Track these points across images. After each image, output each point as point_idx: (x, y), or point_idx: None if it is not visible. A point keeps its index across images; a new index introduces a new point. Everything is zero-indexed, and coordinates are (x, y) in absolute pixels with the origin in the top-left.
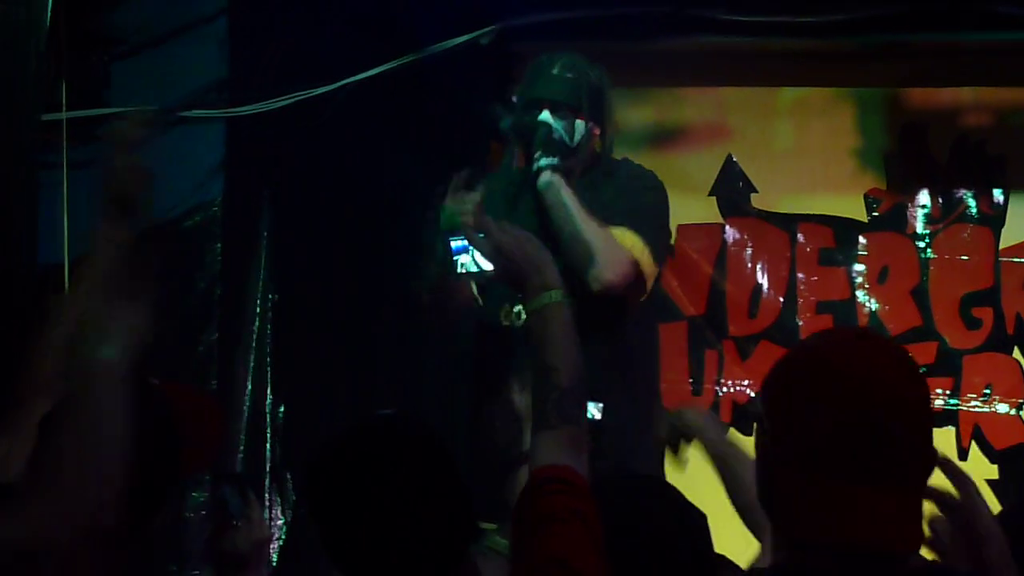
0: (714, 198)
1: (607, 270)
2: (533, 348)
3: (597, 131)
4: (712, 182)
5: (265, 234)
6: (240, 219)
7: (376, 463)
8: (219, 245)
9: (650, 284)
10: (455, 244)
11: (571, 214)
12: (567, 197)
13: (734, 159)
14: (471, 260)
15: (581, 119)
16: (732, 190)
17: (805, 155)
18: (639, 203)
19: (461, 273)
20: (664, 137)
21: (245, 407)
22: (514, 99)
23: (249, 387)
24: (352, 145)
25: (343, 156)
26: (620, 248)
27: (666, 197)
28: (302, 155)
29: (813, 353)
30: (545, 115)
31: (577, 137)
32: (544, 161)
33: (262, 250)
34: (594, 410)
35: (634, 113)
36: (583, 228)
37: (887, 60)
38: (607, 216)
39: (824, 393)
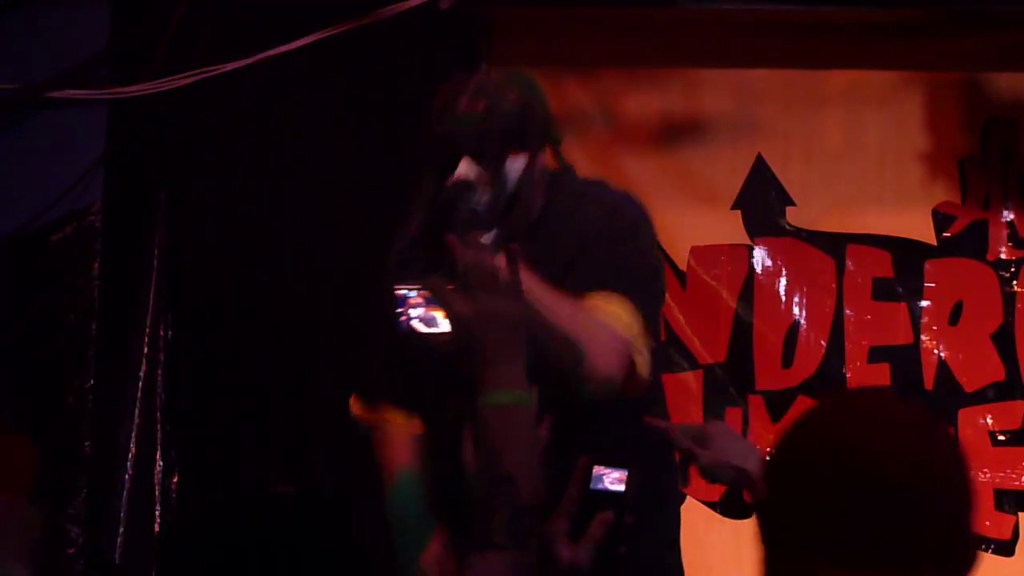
0: (739, 212)
1: (601, 365)
2: (485, 450)
3: (536, 159)
4: (737, 192)
5: (157, 251)
6: (125, 231)
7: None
8: (96, 265)
9: (646, 371)
10: (402, 292)
11: (534, 304)
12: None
13: (765, 162)
14: (417, 318)
15: (516, 154)
16: (762, 202)
17: (857, 158)
18: (621, 256)
19: (404, 333)
20: (674, 133)
21: (127, 475)
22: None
23: (133, 450)
24: (274, 136)
25: (262, 149)
26: (608, 331)
27: (653, 232)
28: (208, 148)
29: (820, 422)
30: (463, 166)
31: (513, 180)
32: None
33: (153, 273)
34: (618, 481)
35: (635, 101)
36: (558, 317)
37: (965, 35)
38: (579, 275)
39: (832, 473)
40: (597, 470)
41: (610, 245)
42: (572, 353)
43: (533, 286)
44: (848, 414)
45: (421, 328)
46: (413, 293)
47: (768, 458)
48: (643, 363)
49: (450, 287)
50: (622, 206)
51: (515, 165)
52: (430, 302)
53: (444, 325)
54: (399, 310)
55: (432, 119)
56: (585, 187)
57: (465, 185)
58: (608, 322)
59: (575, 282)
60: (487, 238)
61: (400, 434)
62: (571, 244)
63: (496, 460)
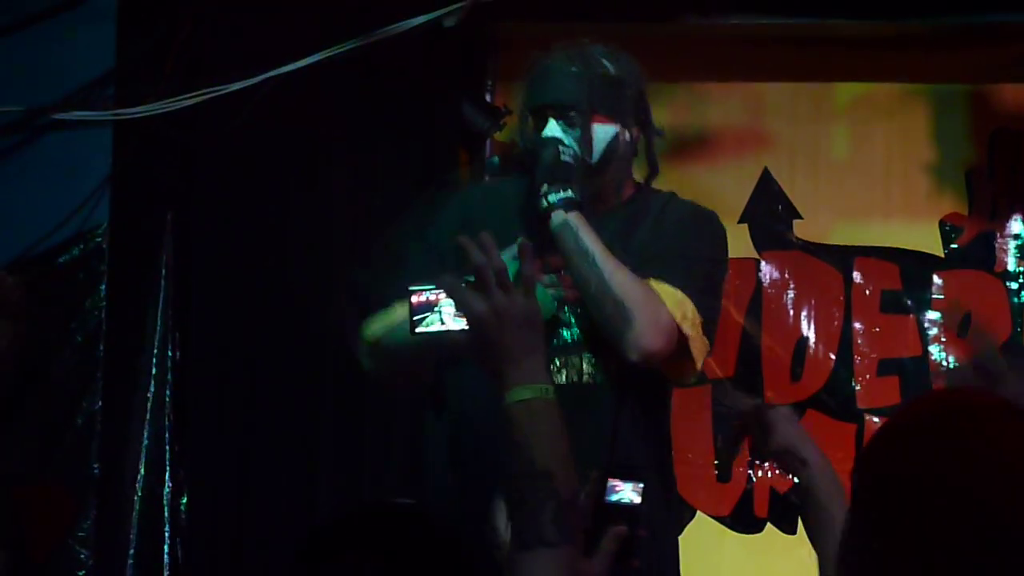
0: (746, 225)
1: (647, 333)
2: (516, 446)
3: (626, 136)
4: (744, 205)
5: (164, 272)
6: (132, 252)
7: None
8: (103, 287)
9: (700, 364)
10: (417, 290)
11: (596, 264)
12: (589, 241)
13: (772, 175)
14: (436, 316)
15: (603, 122)
16: (769, 215)
17: (864, 171)
18: (695, 252)
19: (419, 332)
20: (682, 146)
21: (136, 497)
22: (502, 120)
23: (142, 471)
24: (280, 155)
25: (268, 169)
26: (661, 306)
27: (727, 249)
28: (214, 168)
29: (952, 433)
30: (551, 126)
31: (599, 149)
32: (554, 196)
33: (160, 293)
34: (633, 493)
35: None
36: (613, 281)
37: (972, 47)
38: (640, 266)
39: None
40: (612, 482)
41: (687, 243)
42: (621, 317)
43: (596, 249)
44: (972, 444)
45: (437, 326)
46: (428, 292)
47: (868, 479)
48: (697, 354)
49: (464, 284)
50: (709, 216)
51: (602, 132)
52: (445, 300)
53: (460, 323)
54: (414, 308)
55: (529, 72)
56: (666, 195)
57: (552, 143)
58: (661, 301)
59: (645, 266)
60: (564, 193)
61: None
62: (650, 236)
63: (531, 457)
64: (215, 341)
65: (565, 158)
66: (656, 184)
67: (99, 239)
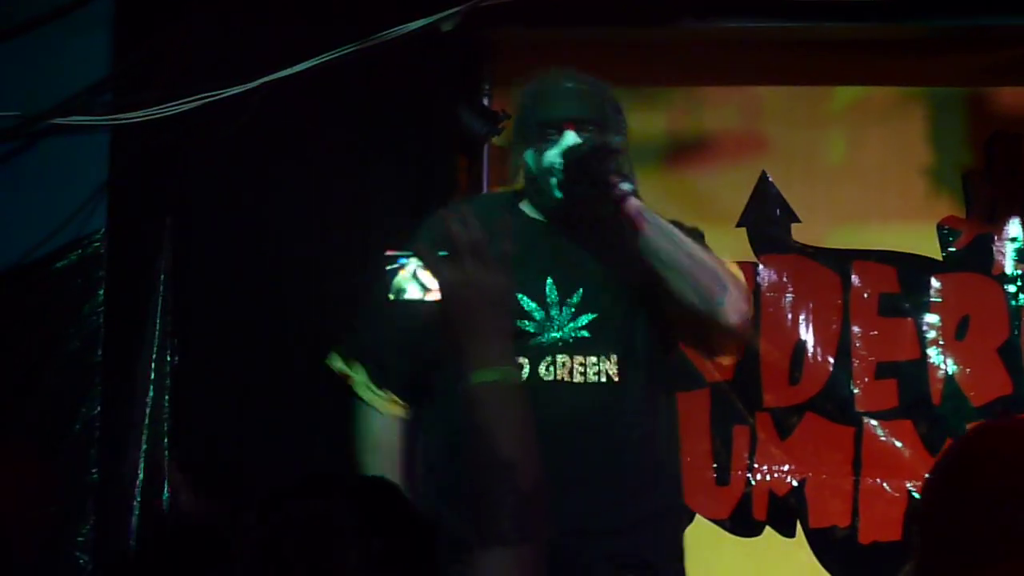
0: (744, 229)
1: (742, 298)
2: (477, 432)
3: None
4: (741, 208)
5: (163, 277)
6: (129, 257)
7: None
8: (101, 292)
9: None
10: (394, 260)
11: (679, 240)
12: (664, 222)
13: (769, 179)
14: (414, 281)
15: (614, 131)
16: (767, 219)
17: (862, 174)
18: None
19: (393, 299)
20: (679, 150)
21: (135, 503)
22: (500, 125)
23: (141, 477)
24: (278, 159)
25: (266, 174)
26: (740, 274)
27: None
28: (212, 173)
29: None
30: (570, 137)
31: (621, 145)
32: (626, 185)
33: (159, 298)
34: None
35: (640, 119)
36: (700, 255)
37: (969, 50)
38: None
39: None
40: None
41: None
42: (718, 284)
43: (672, 228)
44: None
45: (410, 294)
46: (405, 259)
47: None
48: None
49: (441, 255)
50: (685, 228)
51: (618, 138)
52: (420, 268)
53: (433, 293)
54: (389, 273)
55: (534, 92)
56: None
57: (613, 148)
58: (733, 271)
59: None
60: (630, 185)
61: (382, 415)
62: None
63: (492, 445)
64: (214, 347)
65: (624, 162)
66: (652, 190)
67: (97, 244)
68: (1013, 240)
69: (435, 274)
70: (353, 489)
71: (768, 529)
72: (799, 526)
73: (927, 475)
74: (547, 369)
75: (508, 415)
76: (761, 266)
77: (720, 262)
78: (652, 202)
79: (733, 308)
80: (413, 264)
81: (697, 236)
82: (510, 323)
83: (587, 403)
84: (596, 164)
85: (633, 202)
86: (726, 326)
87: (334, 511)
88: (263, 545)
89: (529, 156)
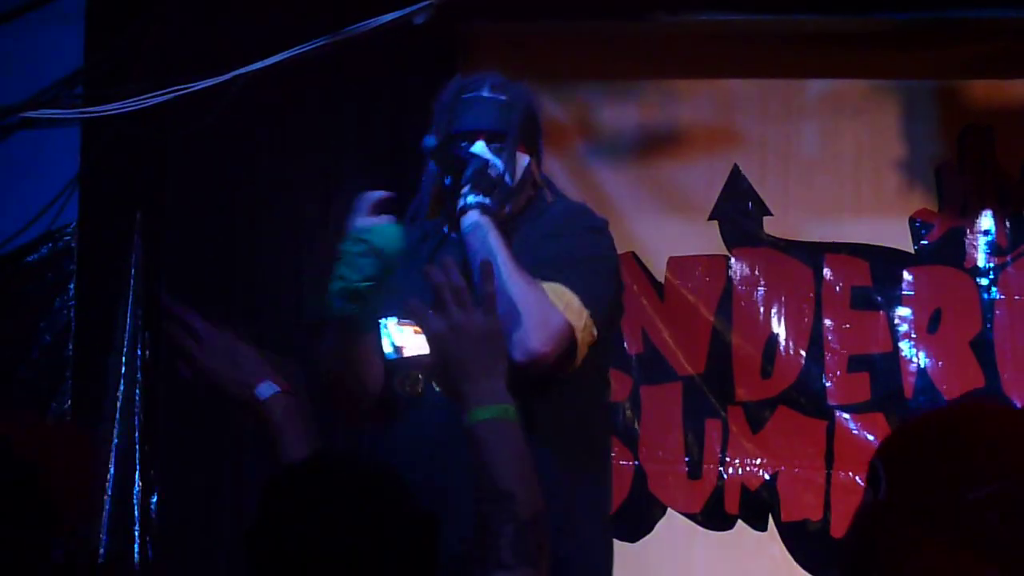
0: (716, 223)
1: (533, 336)
2: (479, 467)
3: (536, 166)
4: (713, 202)
5: (134, 271)
6: (101, 251)
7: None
8: (72, 286)
9: (582, 354)
10: (381, 320)
11: (497, 266)
12: (495, 244)
13: (742, 172)
14: (389, 339)
15: (522, 151)
16: (739, 212)
17: (834, 167)
18: (575, 250)
19: (390, 360)
20: (651, 143)
21: (107, 496)
22: (428, 137)
23: (112, 471)
24: (249, 153)
25: (237, 166)
26: (552, 309)
27: (611, 241)
28: (183, 166)
29: (956, 421)
30: (479, 147)
31: (519, 174)
32: (472, 198)
33: (130, 292)
34: None
35: (612, 113)
36: (509, 283)
37: (941, 44)
38: (535, 267)
39: (973, 464)
40: None
41: (566, 240)
42: (510, 318)
43: (501, 252)
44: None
45: (402, 352)
46: (392, 319)
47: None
48: (582, 345)
49: (427, 309)
50: (584, 212)
51: (521, 160)
52: (408, 325)
53: (422, 346)
54: (381, 337)
55: (449, 99)
56: (554, 199)
57: (481, 159)
58: (553, 303)
59: (533, 268)
60: (482, 198)
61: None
62: (534, 240)
63: (492, 476)
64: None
65: (492, 172)
66: (625, 183)
67: (68, 238)
68: (985, 233)
69: (423, 328)
70: (359, 477)
71: (740, 523)
72: (771, 520)
73: (900, 427)
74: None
75: (506, 449)
76: (733, 259)
77: (539, 295)
78: (624, 195)
79: (518, 346)
80: (400, 323)
81: (590, 219)
82: (501, 360)
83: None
84: (464, 176)
85: (469, 216)
86: (514, 362)
87: (339, 500)
88: (272, 533)
89: (430, 155)
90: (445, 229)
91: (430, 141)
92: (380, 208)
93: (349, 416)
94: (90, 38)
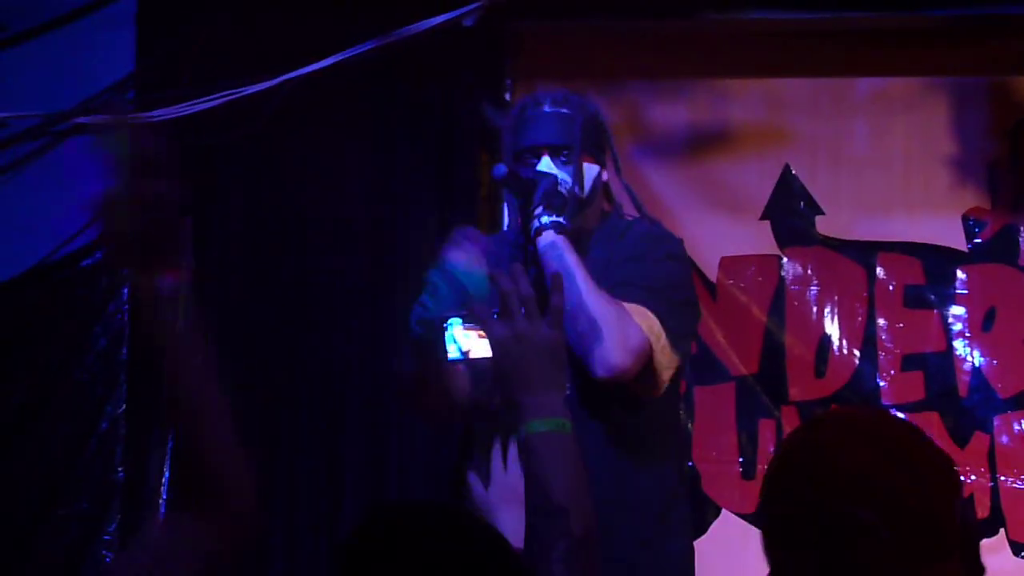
0: (768, 222)
1: (615, 352)
2: (532, 479)
3: (606, 177)
4: (765, 202)
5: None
6: None
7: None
8: (126, 290)
9: (666, 378)
10: (446, 318)
11: (576, 283)
12: (572, 263)
13: (793, 171)
14: (454, 342)
15: (591, 161)
16: (791, 211)
17: (885, 165)
18: (657, 278)
19: (450, 360)
20: (702, 144)
21: (161, 500)
22: (498, 166)
23: (167, 475)
24: (300, 157)
25: (288, 171)
26: (633, 325)
27: (690, 269)
28: (234, 171)
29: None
30: (545, 162)
31: (588, 185)
32: (547, 219)
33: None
34: None
35: (662, 112)
36: (589, 301)
37: (992, 39)
38: (615, 287)
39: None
40: None
41: (647, 264)
42: (593, 334)
43: (578, 270)
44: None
45: (468, 355)
46: (457, 319)
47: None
48: (661, 369)
49: (493, 313)
50: (663, 236)
51: (589, 170)
52: (473, 329)
53: (486, 351)
54: (444, 336)
55: (512, 119)
56: (633, 220)
57: (550, 176)
58: (633, 320)
59: (612, 290)
60: (557, 217)
61: None
62: (615, 262)
63: (546, 490)
64: (237, 343)
65: (562, 189)
66: (676, 184)
67: None
68: None
69: (487, 332)
70: (461, 527)
71: None
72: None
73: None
74: None
75: (561, 464)
76: (786, 259)
77: (619, 311)
78: (674, 195)
79: (600, 361)
80: (465, 325)
81: (671, 245)
82: (561, 374)
83: None
84: (536, 196)
85: (544, 237)
86: (595, 377)
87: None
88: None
89: (502, 176)
90: (529, 246)
91: (500, 169)
92: (474, 246)
93: (435, 419)
94: (141, 43)
